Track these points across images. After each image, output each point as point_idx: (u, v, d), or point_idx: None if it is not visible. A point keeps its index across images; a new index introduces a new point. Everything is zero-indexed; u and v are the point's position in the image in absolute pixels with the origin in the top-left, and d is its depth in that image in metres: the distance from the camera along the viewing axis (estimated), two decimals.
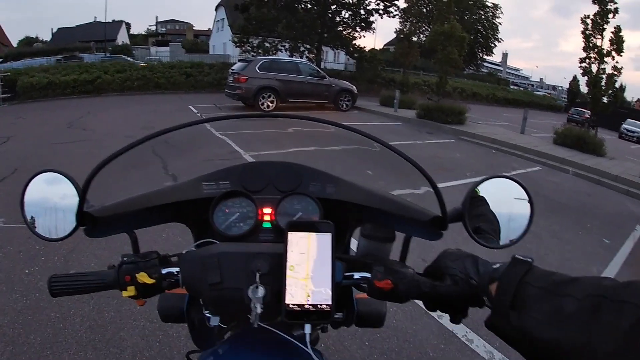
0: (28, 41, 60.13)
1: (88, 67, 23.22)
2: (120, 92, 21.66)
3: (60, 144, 9.56)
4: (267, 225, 1.10)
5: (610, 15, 13.65)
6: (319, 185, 1.15)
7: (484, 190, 0.92)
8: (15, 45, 58.12)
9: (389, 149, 0.94)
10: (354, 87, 17.42)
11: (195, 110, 14.93)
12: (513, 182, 0.93)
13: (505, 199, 0.92)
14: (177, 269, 0.88)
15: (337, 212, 1.11)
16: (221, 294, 0.85)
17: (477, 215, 0.91)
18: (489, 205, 0.92)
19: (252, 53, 24.07)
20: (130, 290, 0.86)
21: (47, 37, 62.13)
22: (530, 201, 0.92)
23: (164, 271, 0.88)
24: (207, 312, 0.96)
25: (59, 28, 59.37)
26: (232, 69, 16.41)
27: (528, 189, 0.91)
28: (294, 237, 0.83)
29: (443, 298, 0.82)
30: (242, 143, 9.25)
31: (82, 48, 38.72)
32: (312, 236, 0.83)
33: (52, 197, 0.96)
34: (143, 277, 0.85)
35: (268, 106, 15.15)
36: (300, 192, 1.13)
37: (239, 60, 18.18)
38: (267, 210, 1.11)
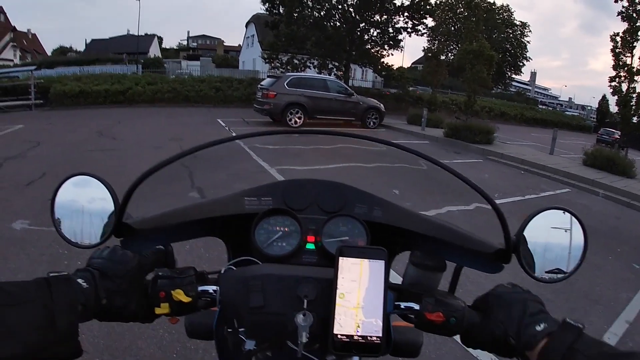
0: (62, 50, 61.88)
1: (120, 77, 23.77)
2: (150, 104, 22.06)
3: (89, 152, 9.75)
4: (311, 246, 1.03)
5: None
6: (365, 208, 1.09)
7: (538, 221, 0.88)
8: (49, 54, 59.90)
9: (445, 170, 0.88)
10: (381, 105, 17.42)
11: (223, 124, 15.13)
12: (568, 214, 0.90)
13: (559, 230, 0.89)
14: (215, 287, 0.84)
15: (383, 237, 1.05)
16: (263, 318, 0.81)
17: (530, 247, 0.87)
18: (542, 237, 0.88)
19: (281, 69, 24.33)
20: (164, 308, 0.81)
21: (80, 47, 64.01)
22: (585, 235, 0.88)
23: (200, 289, 0.83)
24: (242, 334, 0.89)
25: (92, 39, 60.98)
26: (261, 85, 16.62)
27: (583, 222, 0.89)
28: (345, 263, 0.79)
29: (485, 339, 0.79)
30: (269, 158, 9.33)
31: (115, 59, 39.46)
32: (364, 263, 0.79)
33: (84, 202, 0.93)
34: (179, 295, 0.80)
35: (296, 122, 15.28)
36: (347, 213, 1.07)
37: (268, 76, 18.41)
38: (312, 231, 1.04)
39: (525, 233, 0.86)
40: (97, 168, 7.89)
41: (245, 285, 0.82)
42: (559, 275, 0.88)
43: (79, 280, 0.73)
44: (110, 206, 0.90)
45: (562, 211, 0.90)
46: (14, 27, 59.70)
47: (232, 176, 7.54)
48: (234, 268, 0.90)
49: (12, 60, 51.48)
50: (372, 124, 16.85)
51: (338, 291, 0.78)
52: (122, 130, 13.38)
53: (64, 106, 20.83)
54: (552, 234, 0.89)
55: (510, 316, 0.76)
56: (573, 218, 0.89)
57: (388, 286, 0.80)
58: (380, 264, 0.79)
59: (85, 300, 0.71)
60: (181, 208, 1.04)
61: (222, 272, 0.88)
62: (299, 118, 15.35)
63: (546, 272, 0.88)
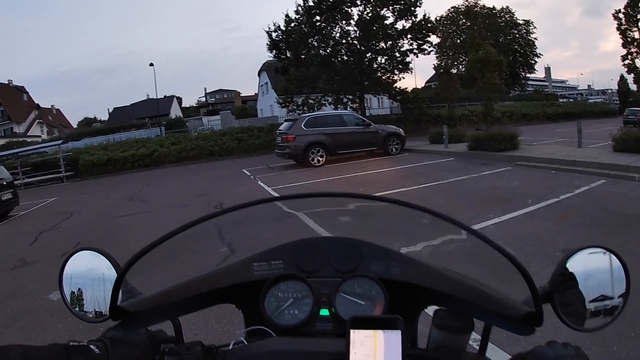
0: (87, 122, 63.75)
1: (145, 142, 24.57)
2: (176, 163, 22.74)
3: (121, 217, 9.97)
4: (325, 312, 0.97)
5: None
6: (382, 265, 1.03)
7: (574, 264, 0.83)
8: (75, 126, 61.99)
9: (474, 235, 0.85)
10: (400, 129, 17.50)
11: (248, 173, 15.38)
12: (606, 253, 0.84)
13: (597, 272, 0.83)
14: None
15: (402, 294, 1.00)
16: None
17: (566, 294, 0.82)
18: (577, 282, 0.82)
19: (298, 111, 24.70)
20: None
21: (104, 116, 66.05)
22: (627, 275, 0.83)
23: None
24: None
25: (115, 107, 62.70)
26: (280, 130, 16.92)
27: (624, 260, 0.84)
28: (357, 336, 0.74)
29: None
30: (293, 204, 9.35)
31: (138, 125, 40.45)
32: (378, 334, 0.74)
33: (91, 276, 0.94)
34: None
35: (318, 161, 15.44)
36: (362, 274, 1.00)
37: (285, 120, 18.72)
38: (325, 296, 0.99)
39: (561, 277, 0.82)
40: (128, 232, 8.15)
41: None
42: (606, 319, 0.82)
43: (92, 347, 0.76)
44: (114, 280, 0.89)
45: (601, 250, 0.85)
46: (38, 104, 62.43)
47: (259, 224, 7.50)
48: (245, 341, 0.88)
49: (40, 136, 53.48)
50: (394, 150, 16.85)
51: None
52: (151, 192, 13.74)
53: (94, 175, 21.70)
54: (591, 277, 0.83)
55: None
56: (610, 254, 0.84)
57: (408, 355, 0.74)
58: (396, 335, 0.74)
59: None
60: (186, 281, 1.02)
61: (231, 347, 0.86)
62: (321, 156, 15.52)
63: (589, 316, 0.82)
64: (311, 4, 24.45)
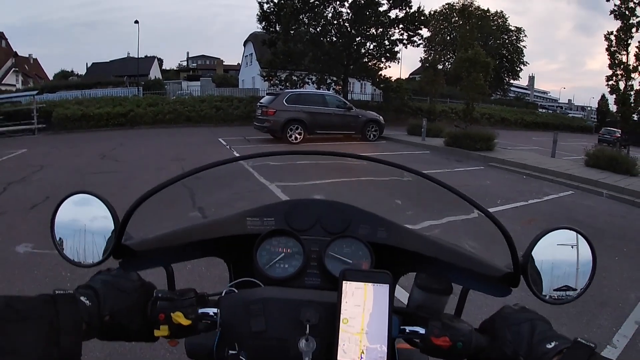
0: (64, 75, 62.04)
1: (121, 100, 24.10)
2: (152, 125, 22.27)
3: (93, 174, 9.82)
4: (313, 268, 1.01)
5: (634, 30, 13.40)
6: (369, 228, 1.07)
7: (545, 241, 0.86)
8: (51, 78, 60.34)
9: (444, 187, 0.89)
10: (380, 117, 17.56)
11: (224, 143, 15.28)
12: (575, 233, 0.87)
13: (566, 248, 0.87)
14: (216, 310, 0.82)
15: (387, 258, 1.03)
16: (265, 343, 0.79)
17: (535, 268, 0.85)
18: (549, 256, 0.86)
19: (280, 86, 24.54)
20: (163, 330, 0.80)
21: (82, 71, 64.39)
22: (593, 253, 0.87)
23: (200, 311, 0.82)
24: (243, 357, 0.84)
25: (93, 63, 61.55)
26: (260, 103, 16.82)
27: (590, 240, 0.87)
28: (349, 287, 0.78)
29: None
30: (269, 174, 9.37)
31: (116, 82, 39.75)
32: (368, 287, 0.78)
33: (85, 221, 0.92)
34: (179, 317, 0.78)
35: (296, 138, 15.40)
36: (350, 235, 1.05)
37: (267, 94, 18.61)
38: (315, 253, 1.02)
39: (533, 253, 0.85)
40: (100, 190, 7.82)
41: (247, 309, 0.80)
42: (569, 294, 0.86)
43: (82, 298, 0.73)
44: (110, 225, 0.90)
45: (569, 230, 0.87)
46: (16, 52, 60.35)
47: (234, 194, 7.54)
48: (235, 290, 0.88)
49: (14, 85, 51.92)
50: (372, 136, 16.95)
51: (342, 316, 0.76)
52: (125, 152, 13.51)
53: (67, 130, 21.04)
54: (559, 254, 0.87)
55: (519, 336, 0.75)
56: (579, 236, 0.88)
57: (393, 310, 0.78)
58: (384, 288, 0.77)
59: (88, 319, 0.71)
60: (182, 229, 1.03)
61: (223, 294, 0.87)
62: (299, 134, 15.47)
63: (554, 289, 0.86)
64: None
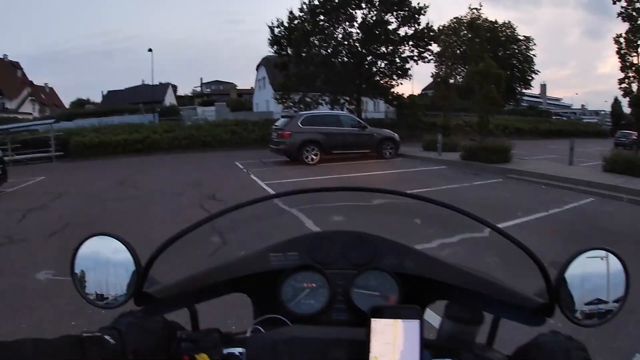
0: (80, 103, 63.15)
1: (138, 127, 24.40)
2: (169, 151, 22.52)
3: (112, 201, 9.91)
4: (340, 303, 1.00)
5: None
6: (395, 259, 1.05)
7: (577, 262, 0.84)
8: (67, 106, 61.45)
9: (492, 229, 0.88)
10: (395, 134, 17.60)
11: (241, 166, 15.40)
12: (606, 252, 0.85)
13: (597, 270, 0.85)
14: (241, 349, 0.81)
15: (414, 287, 1.02)
16: None
17: (566, 292, 0.83)
18: (577, 283, 0.83)
19: (294, 108, 24.77)
20: None
21: (97, 99, 65.33)
22: (626, 272, 0.84)
23: (226, 352, 0.81)
24: None
25: (108, 91, 61.98)
26: (275, 125, 17.02)
27: (624, 260, 0.85)
28: (378, 325, 0.76)
29: None
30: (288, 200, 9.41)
31: (132, 109, 40.15)
32: (398, 323, 0.76)
33: (105, 262, 0.91)
34: (202, 359, 0.77)
35: (312, 159, 15.49)
36: (377, 267, 1.03)
37: (282, 117, 18.78)
38: (341, 287, 1.01)
39: (565, 276, 0.83)
40: (119, 217, 8.07)
41: (274, 350, 0.79)
42: (604, 315, 0.83)
43: (107, 337, 0.73)
44: (131, 266, 0.90)
45: (600, 250, 0.85)
46: (31, 81, 61.82)
47: (253, 217, 7.59)
48: (261, 329, 0.88)
49: (31, 114, 52.96)
50: (388, 154, 16.94)
51: (371, 355, 0.75)
52: (143, 178, 13.66)
53: (84, 157, 21.39)
54: (591, 275, 0.85)
55: None
56: (610, 255, 0.85)
57: (424, 345, 0.76)
58: (415, 324, 0.76)
59: (112, 358, 0.72)
60: (206, 270, 1.03)
61: (248, 333, 0.87)
62: (315, 155, 15.57)
63: (588, 312, 0.83)
64: (316, 3, 24.47)
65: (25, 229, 7.67)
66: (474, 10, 36.70)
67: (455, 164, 14.91)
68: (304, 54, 24.73)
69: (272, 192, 9.80)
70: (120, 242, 0.92)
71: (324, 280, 1.02)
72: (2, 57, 59.62)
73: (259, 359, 0.79)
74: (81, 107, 56.38)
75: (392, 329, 0.76)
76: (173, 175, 14.21)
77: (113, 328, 0.79)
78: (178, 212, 8.22)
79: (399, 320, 0.76)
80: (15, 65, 61.25)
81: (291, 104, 25.72)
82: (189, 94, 74.66)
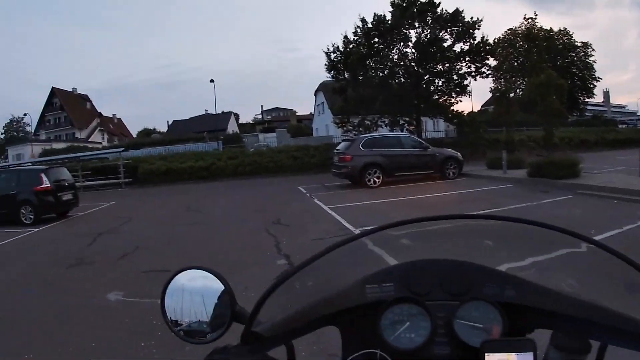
0: (146, 132, 66.13)
1: (203, 154, 25.40)
2: (233, 177, 23.27)
3: (179, 226, 10.32)
4: (442, 337, 0.94)
5: None
6: (495, 287, 1.00)
7: None
8: (135, 136, 64.70)
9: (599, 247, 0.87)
10: (458, 153, 17.37)
11: (304, 191, 15.68)
12: None
13: None
14: None
15: (514, 316, 0.96)
16: None
17: None
18: None
19: (354, 132, 24.95)
20: None
21: (163, 128, 68.66)
22: None
23: None
24: None
25: (173, 120, 65.75)
26: (337, 149, 17.22)
27: None
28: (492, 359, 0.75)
29: None
30: (350, 217, 9.53)
31: (196, 138, 41.94)
32: (512, 357, 0.75)
33: (197, 296, 0.92)
34: None
35: (374, 182, 15.56)
36: (477, 296, 0.97)
37: (342, 140, 19.00)
38: (442, 319, 0.95)
39: None
40: (187, 242, 8.45)
41: None
42: None
43: None
44: (224, 299, 0.91)
45: None
46: (100, 113, 66.09)
47: (318, 241, 7.67)
48: None
49: (100, 143, 56.69)
50: (451, 174, 16.70)
51: None
52: (208, 204, 14.14)
53: (152, 183, 22.61)
54: None
55: None
56: None
57: None
58: (529, 357, 0.75)
59: None
60: (305, 307, 1.02)
61: None
62: (378, 178, 15.62)
63: None
64: (370, 26, 24.73)
65: (96, 251, 8.12)
66: (529, 20, 35.94)
67: (522, 181, 14.54)
68: (360, 77, 24.94)
69: (336, 216, 9.96)
70: (215, 275, 0.94)
71: (424, 313, 0.96)
72: (71, 90, 63.97)
73: None
74: (148, 136, 58.86)
75: None
76: (238, 200, 14.66)
77: None
78: (244, 237, 8.50)
79: (513, 354, 0.76)
80: (84, 98, 65.67)
81: (350, 127, 25.90)
82: (251, 122, 76.60)
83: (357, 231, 8.32)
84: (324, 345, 3.12)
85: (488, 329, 0.92)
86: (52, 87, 63.32)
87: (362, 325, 1.00)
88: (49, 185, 12.47)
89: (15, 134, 61.44)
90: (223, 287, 0.92)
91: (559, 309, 0.94)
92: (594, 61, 46.48)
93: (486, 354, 0.77)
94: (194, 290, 0.93)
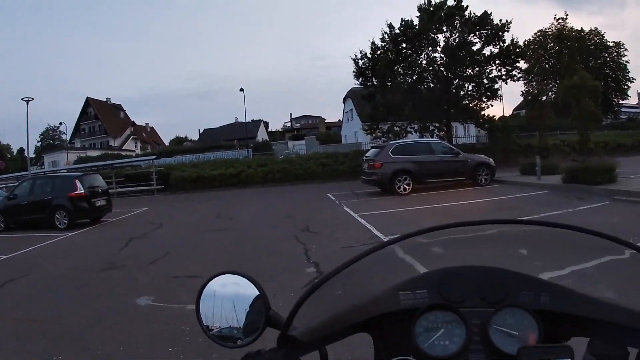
0: (178, 140, 67.97)
1: (233, 162, 25.91)
2: (262, 184, 23.58)
3: (210, 232, 10.43)
4: (477, 344, 0.93)
5: None
6: (531, 294, 0.98)
7: None
8: (167, 144, 66.29)
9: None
10: (490, 159, 17.01)
11: (334, 198, 15.63)
12: None
13: None
14: None
15: (550, 324, 0.95)
16: None
17: None
18: None
19: (383, 138, 24.79)
20: None
21: (194, 136, 70.32)
22: None
23: None
24: None
25: (204, 129, 67.24)
26: (366, 156, 17.11)
27: None
28: None
29: None
30: (380, 225, 9.42)
31: (227, 146, 42.93)
32: None
33: (231, 301, 0.93)
34: None
35: (404, 189, 15.38)
36: (513, 304, 0.96)
37: (372, 147, 19.00)
38: (477, 327, 0.94)
39: None
40: (217, 248, 8.52)
41: None
42: None
43: None
44: (258, 304, 0.92)
45: None
46: (134, 122, 67.99)
47: (348, 249, 7.56)
48: None
49: (133, 151, 58.74)
50: (483, 180, 16.34)
51: None
52: (238, 210, 14.24)
53: (184, 190, 23.10)
54: None
55: None
56: None
57: None
58: None
59: None
60: (339, 313, 1.01)
61: None
62: (408, 185, 15.44)
63: None
64: (397, 31, 24.56)
65: (127, 256, 8.27)
66: (560, 21, 35.17)
67: (557, 187, 14.16)
68: (389, 84, 24.83)
69: (366, 223, 9.86)
70: (249, 280, 0.95)
71: (459, 320, 0.94)
72: (105, 100, 65.80)
73: None
74: (179, 144, 60.47)
75: None
76: (267, 207, 14.73)
77: None
78: (274, 243, 8.50)
79: None
80: (118, 107, 67.64)
81: (380, 134, 25.68)
82: (280, 130, 77.58)
83: (386, 239, 8.19)
84: (353, 351, 3.03)
85: (524, 337, 0.91)
86: (87, 97, 65.44)
87: (394, 333, 1.01)
88: (82, 191, 12.88)
89: (51, 142, 63.44)
90: (257, 292, 0.93)
91: (595, 315, 0.92)
92: (627, 61, 45.07)
93: None
94: (228, 295, 0.94)
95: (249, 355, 0.83)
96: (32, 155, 57.03)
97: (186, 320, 4.44)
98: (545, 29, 41.96)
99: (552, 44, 39.76)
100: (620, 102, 47.81)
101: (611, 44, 45.07)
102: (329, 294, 1.00)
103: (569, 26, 40.56)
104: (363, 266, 0.98)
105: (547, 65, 41.25)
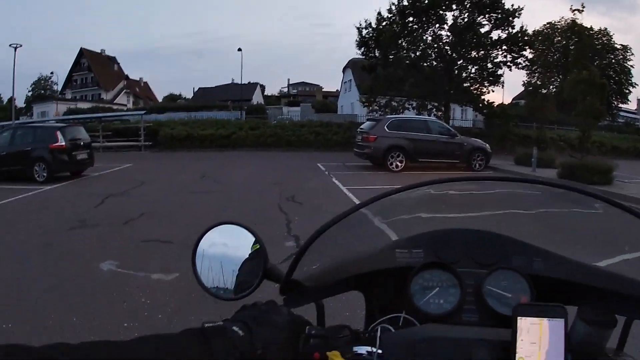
0: (172, 97, 67.43)
1: (224, 123, 25.55)
2: (253, 148, 23.22)
3: (192, 194, 10.18)
4: (471, 304, 0.95)
5: None
6: (524, 259, 1.00)
7: None
8: (160, 100, 65.54)
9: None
10: (487, 145, 16.60)
11: (323, 168, 15.39)
12: None
13: None
14: (369, 348, 0.76)
15: (541, 290, 0.95)
16: None
17: None
18: None
19: (380, 112, 24.47)
20: None
21: (189, 95, 69.43)
22: None
23: (356, 350, 0.76)
24: None
25: (199, 87, 66.40)
26: (361, 128, 16.74)
27: None
28: (524, 323, 0.74)
29: None
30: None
31: (221, 106, 42.78)
32: (544, 322, 0.73)
33: (229, 252, 0.89)
34: (336, 357, 0.72)
35: (397, 165, 15.07)
36: (507, 266, 0.97)
37: (367, 120, 18.53)
38: (471, 287, 0.96)
39: None
40: (197, 211, 8.19)
41: (412, 350, 0.75)
42: None
43: (235, 328, 0.68)
44: (256, 255, 0.89)
45: None
46: (127, 75, 66.67)
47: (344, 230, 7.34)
48: (390, 328, 0.83)
49: (125, 105, 57.95)
50: (477, 166, 15.92)
51: (517, 355, 0.72)
52: (225, 173, 13.99)
53: (172, 148, 22.75)
54: None
55: None
56: None
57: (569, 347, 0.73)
58: (560, 323, 0.74)
59: (241, 350, 0.66)
60: (336, 264, 1.05)
61: (379, 332, 0.80)
62: (400, 162, 15.10)
63: None
64: (405, 3, 24.01)
65: (101, 214, 7.94)
66: (575, 12, 34.59)
67: None
68: (391, 57, 24.39)
69: (353, 198, 9.62)
70: (246, 229, 0.91)
71: (454, 279, 0.97)
72: (99, 51, 64.51)
73: (393, 358, 0.75)
74: (173, 101, 60.20)
75: (538, 327, 0.74)
76: (255, 172, 14.44)
77: (238, 320, 0.72)
78: (257, 211, 8.21)
79: (545, 319, 0.74)
80: (112, 60, 66.24)
81: (377, 107, 25.39)
82: (276, 94, 77.01)
83: (375, 219, 7.96)
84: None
85: (516, 299, 0.93)
86: (81, 48, 63.87)
87: (387, 291, 1.03)
88: (64, 143, 12.43)
89: (42, 92, 62.08)
90: (259, 244, 0.90)
91: (585, 280, 0.95)
92: (631, 66, 44.79)
93: (518, 318, 0.74)
94: (225, 246, 0.90)
95: (244, 307, 0.79)
96: (22, 105, 56.73)
97: (148, 292, 4.21)
98: (555, 22, 41.44)
99: (559, 38, 39.30)
100: (620, 105, 47.78)
101: (618, 47, 44.69)
102: (325, 250, 1.01)
103: (579, 22, 40.07)
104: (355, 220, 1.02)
105: (551, 59, 40.91)
